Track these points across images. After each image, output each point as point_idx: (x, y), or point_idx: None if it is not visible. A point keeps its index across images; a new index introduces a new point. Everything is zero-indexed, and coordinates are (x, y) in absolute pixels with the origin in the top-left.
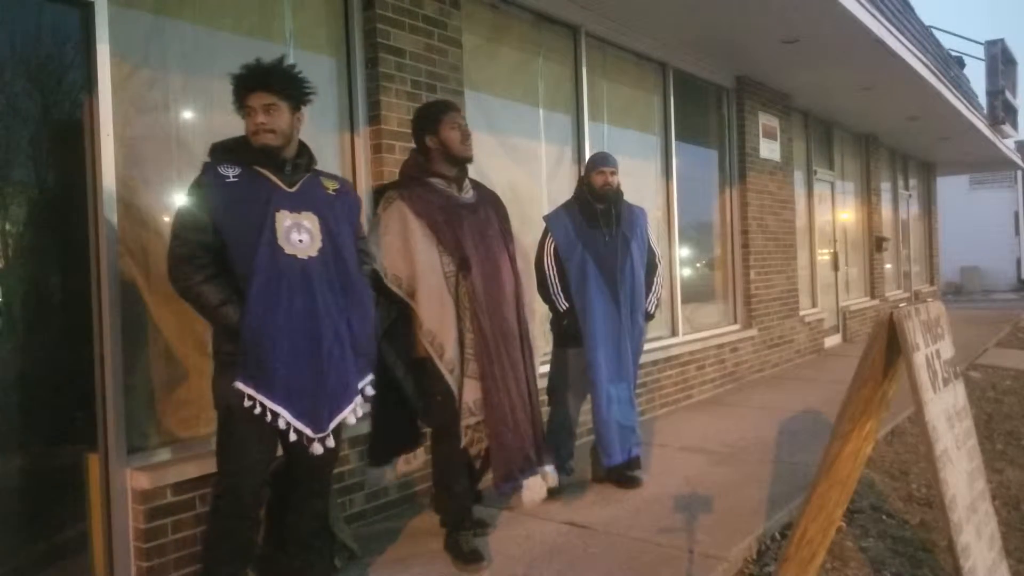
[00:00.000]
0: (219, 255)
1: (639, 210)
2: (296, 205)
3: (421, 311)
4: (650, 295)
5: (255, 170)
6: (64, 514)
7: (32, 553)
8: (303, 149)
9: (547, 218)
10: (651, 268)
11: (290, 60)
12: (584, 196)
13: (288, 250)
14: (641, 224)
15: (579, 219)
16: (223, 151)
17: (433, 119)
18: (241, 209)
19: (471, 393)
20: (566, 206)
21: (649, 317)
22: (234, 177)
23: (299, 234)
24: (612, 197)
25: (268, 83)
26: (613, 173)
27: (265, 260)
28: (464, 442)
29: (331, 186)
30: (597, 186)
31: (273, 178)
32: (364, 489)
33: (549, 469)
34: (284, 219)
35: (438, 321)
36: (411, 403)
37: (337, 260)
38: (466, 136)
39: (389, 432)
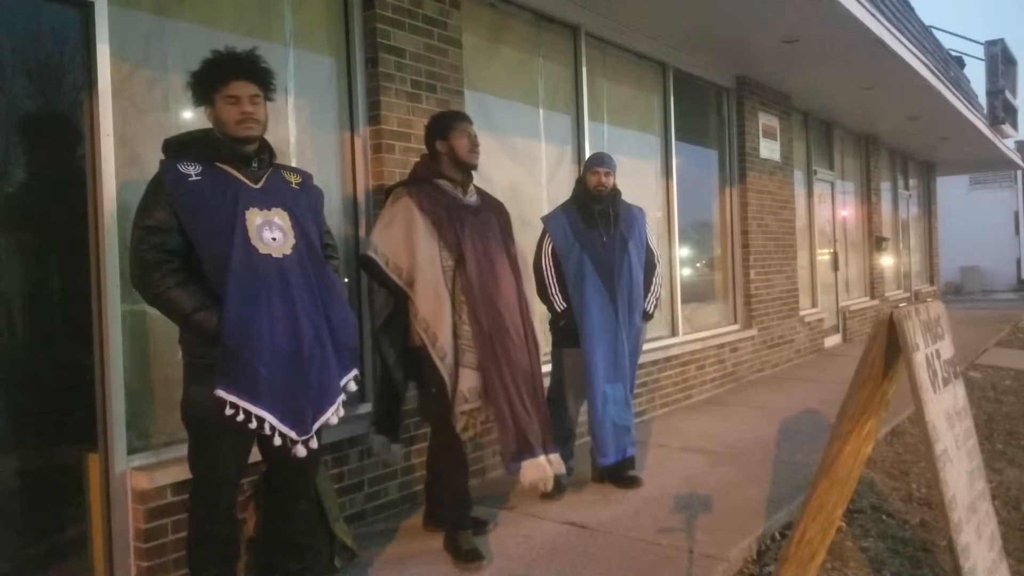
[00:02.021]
0: (187, 258)
1: (638, 211)
2: (265, 202)
3: (418, 300)
4: (649, 295)
5: (217, 167)
6: (64, 514)
7: (32, 553)
8: (264, 144)
9: (545, 219)
10: (650, 268)
11: (290, 60)
12: (582, 197)
13: (262, 250)
14: (639, 224)
15: (577, 220)
16: (180, 147)
17: (446, 126)
18: (208, 209)
19: (466, 382)
20: (564, 207)
21: (648, 317)
22: (196, 176)
23: (271, 232)
24: (608, 198)
25: (252, 73)
26: (607, 174)
27: (240, 261)
28: (459, 427)
29: (294, 179)
30: (591, 186)
31: (237, 175)
32: (363, 489)
33: (555, 457)
34: (255, 217)
35: (433, 311)
36: (398, 391)
37: (312, 255)
38: (474, 145)
39: (395, 408)
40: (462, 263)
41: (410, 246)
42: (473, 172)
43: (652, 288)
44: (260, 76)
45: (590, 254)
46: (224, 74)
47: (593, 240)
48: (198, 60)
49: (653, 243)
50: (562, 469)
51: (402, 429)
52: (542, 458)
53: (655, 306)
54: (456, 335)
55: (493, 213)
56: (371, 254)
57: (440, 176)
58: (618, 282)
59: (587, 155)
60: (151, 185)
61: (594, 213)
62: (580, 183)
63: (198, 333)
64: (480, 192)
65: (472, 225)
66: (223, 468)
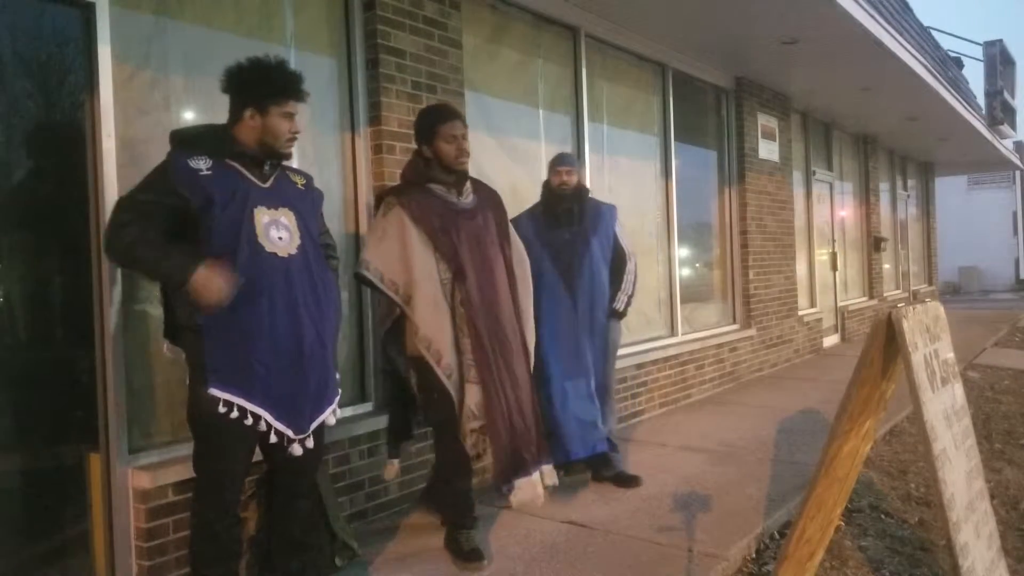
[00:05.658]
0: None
1: (607, 208)
2: (272, 201)
3: (417, 317)
4: (619, 292)
5: (228, 164)
6: (65, 513)
7: (33, 552)
8: None
9: (512, 221)
10: (620, 265)
11: (291, 61)
12: (546, 197)
13: (269, 248)
14: (606, 221)
15: (541, 221)
16: (191, 142)
17: (429, 129)
18: (217, 206)
19: (472, 397)
20: (531, 209)
21: (618, 315)
22: (207, 170)
23: (278, 231)
24: (572, 196)
25: (303, 96)
26: (569, 172)
27: (245, 259)
28: (468, 445)
29: (299, 181)
30: (554, 186)
31: (246, 173)
32: (364, 488)
33: (548, 468)
34: (262, 216)
35: (435, 327)
36: (417, 398)
37: (316, 256)
38: (461, 152)
39: (399, 425)
40: (461, 275)
41: (405, 260)
42: (468, 170)
43: (623, 285)
44: (304, 97)
45: (549, 251)
46: (288, 91)
47: (554, 238)
48: (199, 61)
49: (624, 239)
50: (555, 480)
51: (405, 445)
52: (535, 475)
53: (626, 304)
54: (459, 350)
55: (490, 211)
56: (363, 272)
57: (432, 180)
58: (578, 279)
59: (587, 155)
60: (156, 172)
61: (558, 212)
62: (545, 185)
63: (169, 282)
64: (477, 186)
65: (468, 231)
66: (228, 468)
